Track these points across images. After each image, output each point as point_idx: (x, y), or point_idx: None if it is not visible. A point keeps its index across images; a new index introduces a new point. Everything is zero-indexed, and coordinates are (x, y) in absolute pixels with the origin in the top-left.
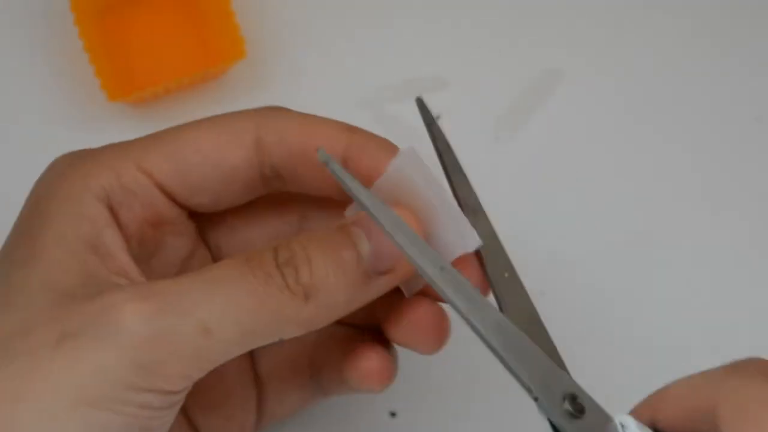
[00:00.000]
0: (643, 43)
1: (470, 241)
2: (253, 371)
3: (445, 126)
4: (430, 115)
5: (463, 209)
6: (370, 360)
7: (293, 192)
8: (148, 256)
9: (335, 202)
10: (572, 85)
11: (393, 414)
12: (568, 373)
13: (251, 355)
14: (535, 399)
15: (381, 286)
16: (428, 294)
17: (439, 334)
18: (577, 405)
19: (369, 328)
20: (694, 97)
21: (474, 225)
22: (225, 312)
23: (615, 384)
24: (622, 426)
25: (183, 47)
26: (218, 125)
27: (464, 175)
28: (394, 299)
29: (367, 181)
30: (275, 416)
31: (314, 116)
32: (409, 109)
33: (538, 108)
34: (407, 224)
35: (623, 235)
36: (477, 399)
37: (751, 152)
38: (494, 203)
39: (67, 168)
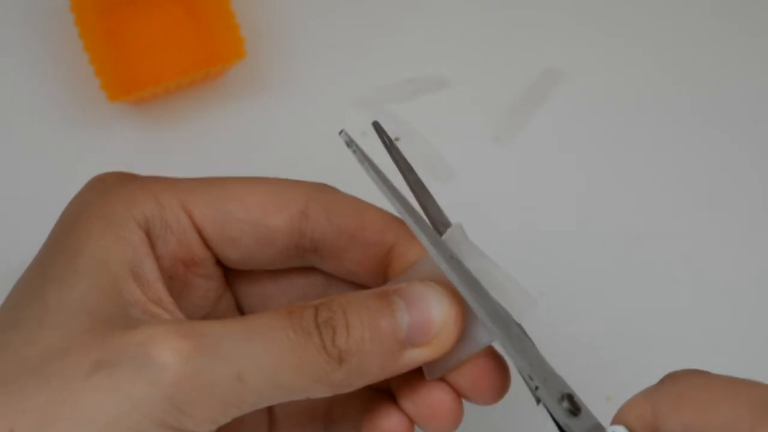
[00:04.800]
0: (642, 43)
1: (526, 305)
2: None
3: (447, 131)
4: (389, 137)
5: (434, 225)
6: (390, 420)
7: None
8: (176, 294)
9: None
10: (572, 85)
11: None
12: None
13: None
14: (536, 388)
15: (414, 359)
16: (449, 382)
17: (453, 423)
18: (574, 404)
19: (385, 390)
20: (693, 98)
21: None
22: (260, 362)
23: (614, 384)
24: None
25: (183, 47)
26: (269, 187)
27: (428, 193)
28: (414, 375)
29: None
30: None
31: (364, 202)
32: (410, 109)
33: (538, 108)
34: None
35: (623, 235)
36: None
37: (749, 153)
38: (494, 203)
39: (110, 189)
